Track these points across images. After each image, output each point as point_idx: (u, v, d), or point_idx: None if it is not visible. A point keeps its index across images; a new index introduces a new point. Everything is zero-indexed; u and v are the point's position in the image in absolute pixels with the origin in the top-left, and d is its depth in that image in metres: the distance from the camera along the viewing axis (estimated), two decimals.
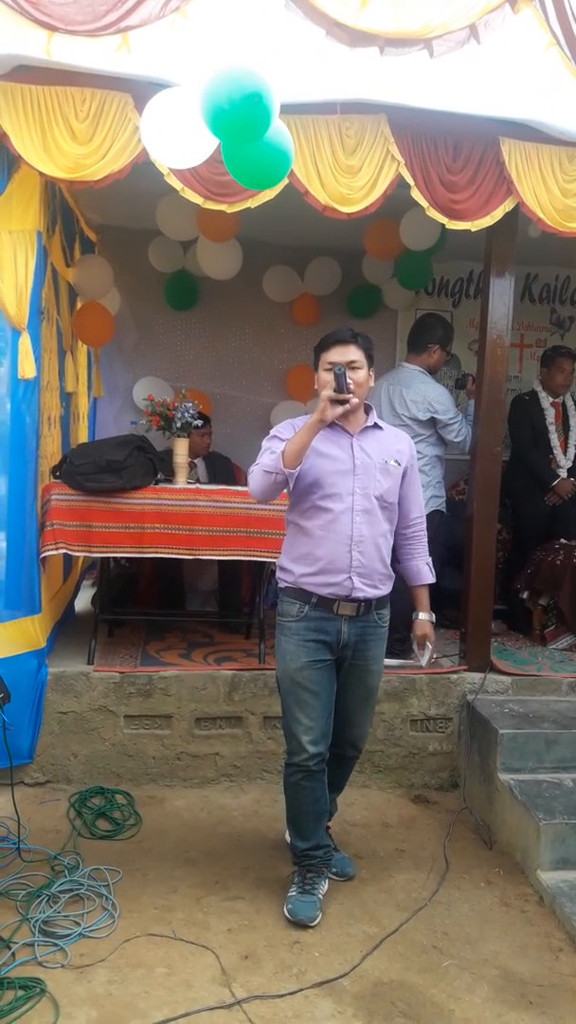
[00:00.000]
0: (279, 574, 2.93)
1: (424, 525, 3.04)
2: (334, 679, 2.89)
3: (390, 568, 2.92)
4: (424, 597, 3.07)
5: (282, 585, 2.90)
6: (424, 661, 3.07)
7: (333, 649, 2.84)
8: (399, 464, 2.87)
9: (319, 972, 2.60)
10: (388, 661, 3.20)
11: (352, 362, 2.75)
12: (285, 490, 2.80)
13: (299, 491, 2.81)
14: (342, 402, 2.63)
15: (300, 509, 2.84)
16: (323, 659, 2.83)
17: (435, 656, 3.04)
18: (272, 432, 2.85)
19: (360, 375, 2.77)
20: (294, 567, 2.85)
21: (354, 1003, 2.48)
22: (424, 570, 3.04)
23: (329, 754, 2.95)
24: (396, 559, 3.00)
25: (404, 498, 2.93)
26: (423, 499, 3.09)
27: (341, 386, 2.62)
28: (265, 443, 2.82)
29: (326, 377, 2.72)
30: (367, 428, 2.86)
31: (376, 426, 2.89)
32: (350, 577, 2.78)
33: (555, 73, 3.11)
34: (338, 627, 2.82)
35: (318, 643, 2.82)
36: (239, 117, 2.45)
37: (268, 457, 2.73)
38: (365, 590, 2.80)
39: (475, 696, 3.95)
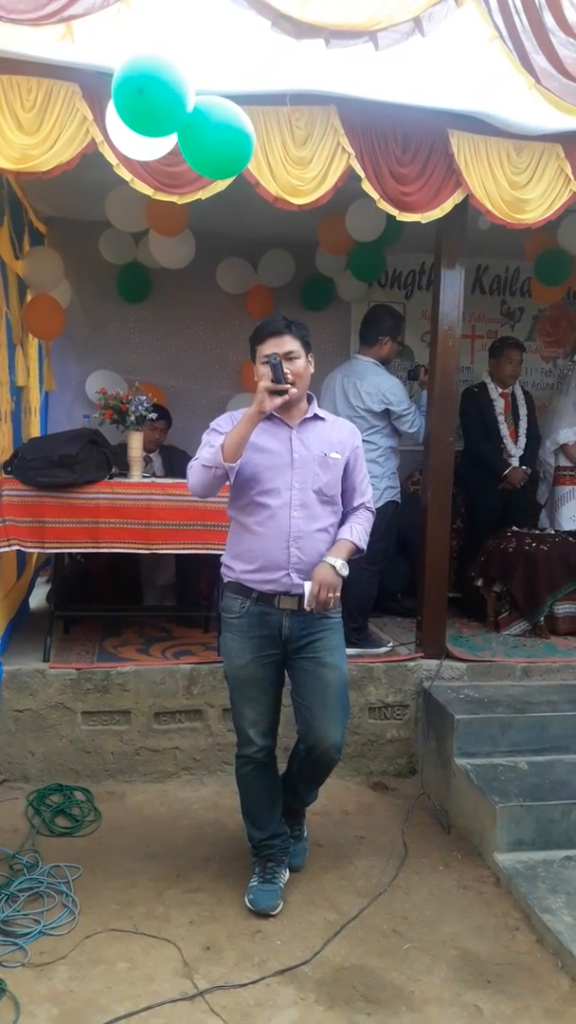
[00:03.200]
0: (222, 570, 2.89)
1: (369, 508, 2.96)
2: (281, 673, 2.88)
3: None
4: (338, 546, 2.79)
5: (225, 580, 2.88)
6: (305, 603, 2.71)
7: (277, 643, 2.81)
8: (339, 456, 2.81)
9: (280, 960, 2.62)
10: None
11: (289, 352, 2.69)
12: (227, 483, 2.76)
13: (237, 486, 2.77)
14: (280, 392, 2.59)
15: (239, 505, 2.80)
16: (268, 654, 2.82)
17: (317, 606, 2.71)
18: (211, 425, 2.80)
19: (298, 365, 2.72)
20: (234, 564, 2.83)
21: (316, 989, 2.51)
22: (345, 529, 2.83)
23: (304, 757, 2.93)
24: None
25: (349, 488, 2.88)
26: (372, 489, 3.02)
27: (278, 376, 2.59)
28: (205, 436, 2.78)
29: (263, 370, 2.66)
30: (307, 419, 2.81)
31: (317, 417, 2.84)
32: (288, 573, 2.74)
33: (499, 66, 3.14)
34: (280, 620, 2.79)
35: (262, 638, 2.80)
36: (131, 107, 2.39)
37: (207, 451, 2.69)
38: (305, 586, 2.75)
39: (431, 683, 4.00)
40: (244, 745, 2.90)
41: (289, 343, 2.71)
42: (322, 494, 2.77)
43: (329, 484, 2.79)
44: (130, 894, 2.95)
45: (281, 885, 2.94)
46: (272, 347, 2.69)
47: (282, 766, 3.07)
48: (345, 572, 2.76)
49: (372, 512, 2.98)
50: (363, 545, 2.88)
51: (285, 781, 3.08)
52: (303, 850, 3.19)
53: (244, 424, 2.62)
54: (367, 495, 2.96)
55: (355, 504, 2.92)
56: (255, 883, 2.93)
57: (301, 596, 2.74)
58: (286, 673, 2.91)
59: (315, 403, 2.86)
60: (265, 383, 2.59)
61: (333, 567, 2.74)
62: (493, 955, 2.71)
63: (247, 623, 2.80)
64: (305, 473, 2.75)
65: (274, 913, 2.85)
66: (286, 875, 3.01)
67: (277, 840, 2.98)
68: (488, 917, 2.91)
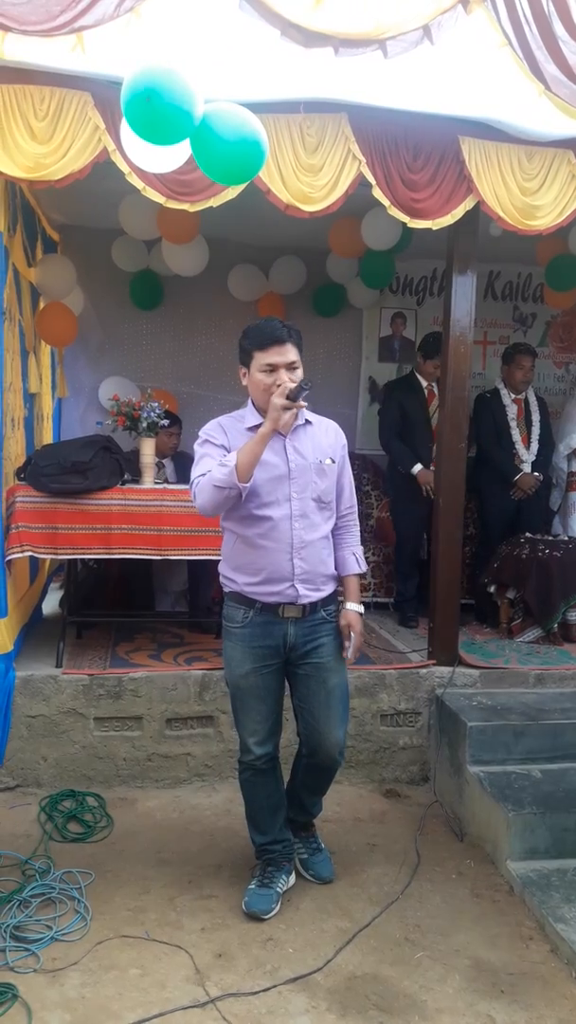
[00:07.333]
0: (222, 580, 2.86)
1: (355, 516, 2.94)
2: (281, 681, 2.86)
3: (332, 567, 2.86)
4: (353, 586, 2.91)
5: (226, 590, 2.85)
6: (349, 653, 2.85)
7: (280, 652, 2.79)
8: (333, 462, 2.80)
9: (293, 968, 2.61)
10: None
11: (292, 363, 2.65)
12: None
13: None
14: (291, 408, 2.56)
15: (236, 517, 2.74)
16: (269, 664, 2.79)
17: (359, 653, 2.90)
18: (203, 436, 2.74)
19: (299, 375, 2.66)
20: (236, 576, 2.79)
21: (328, 997, 2.49)
22: (350, 560, 2.89)
23: (306, 762, 2.98)
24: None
25: (338, 490, 2.85)
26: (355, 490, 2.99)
27: (297, 397, 2.54)
28: (200, 449, 2.73)
29: (263, 379, 2.64)
30: (298, 427, 2.76)
31: (307, 422, 2.79)
32: (293, 585, 2.73)
33: (509, 73, 3.15)
34: (284, 630, 2.77)
35: (264, 648, 2.77)
36: (141, 116, 2.41)
37: (221, 471, 2.58)
38: (309, 595, 2.76)
39: (444, 690, 3.98)
40: (244, 752, 2.91)
41: (292, 353, 2.66)
42: (320, 501, 2.76)
43: (327, 491, 2.78)
44: (142, 900, 2.95)
45: (279, 890, 2.93)
46: (277, 356, 2.64)
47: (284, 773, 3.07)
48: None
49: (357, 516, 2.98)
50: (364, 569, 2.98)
51: (289, 794, 3.08)
52: (326, 859, 3.16)
53: (258, 443, 2.56)
54: (353, 497, 2.94)
55: (343, 510, 2.90)
56: (252, 886, 2.93)
57: (305, 606, 2.76)
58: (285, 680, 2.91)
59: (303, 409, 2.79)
60: (280, 400, 2.53)
61: (360, 614, 2.89)
62: (507, 964, 2.69)
63: (250, 633, 2.78)
64: (303, 482, 2.73)
65: (266, 918, 2.84)
66: (288, 880, 3.00)
67: (278, 846, 2.98)
68: (502, 926, 2.89)
